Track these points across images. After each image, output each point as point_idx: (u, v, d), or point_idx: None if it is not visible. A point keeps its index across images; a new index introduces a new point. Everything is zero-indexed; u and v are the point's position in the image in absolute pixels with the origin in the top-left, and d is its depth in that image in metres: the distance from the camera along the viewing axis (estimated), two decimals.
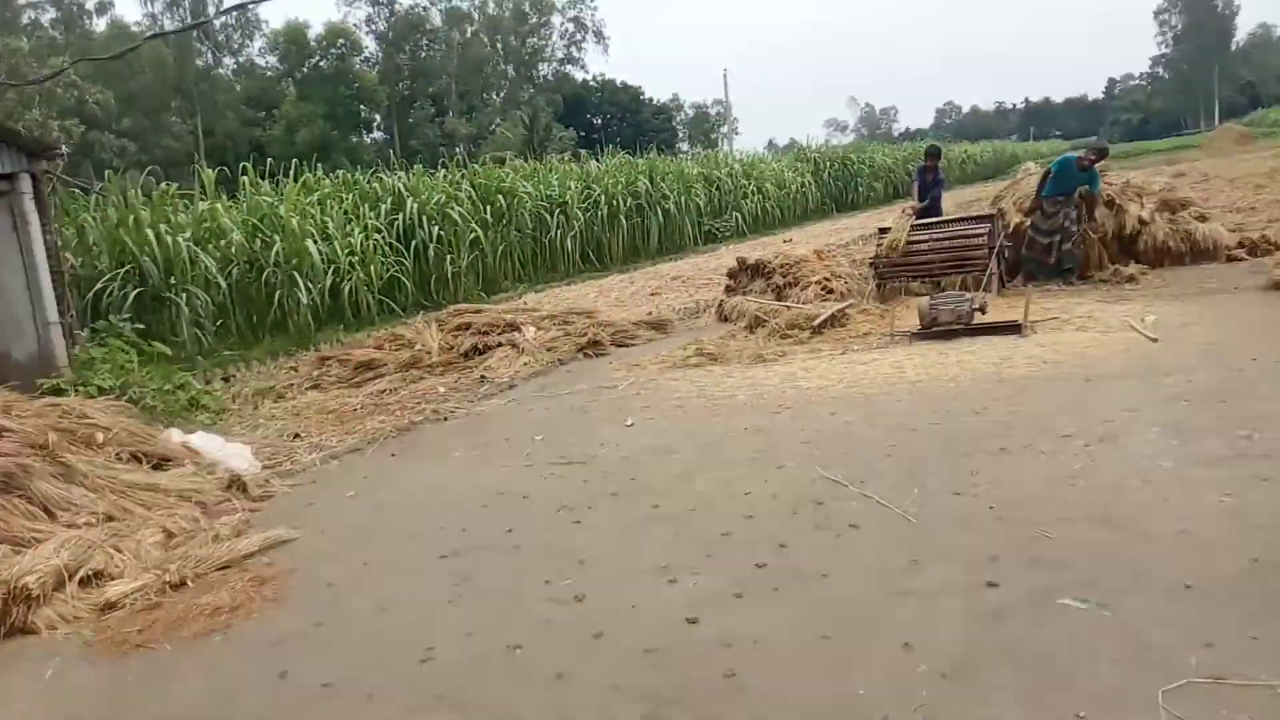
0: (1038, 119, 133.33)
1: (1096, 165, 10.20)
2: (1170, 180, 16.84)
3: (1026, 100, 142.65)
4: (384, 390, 8.45)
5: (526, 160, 23.29)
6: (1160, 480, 3.93)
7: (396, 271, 14.58)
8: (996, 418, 5.23)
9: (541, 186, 19.75)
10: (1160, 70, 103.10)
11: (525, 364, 8.98)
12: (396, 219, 15.27)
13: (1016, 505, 3.90)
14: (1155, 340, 6.61)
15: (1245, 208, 14.11)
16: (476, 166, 19.24)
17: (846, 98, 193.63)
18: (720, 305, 10.79)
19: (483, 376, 8.66)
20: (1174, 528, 3.42)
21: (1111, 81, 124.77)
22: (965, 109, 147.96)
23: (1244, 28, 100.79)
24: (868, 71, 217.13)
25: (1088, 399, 5.36)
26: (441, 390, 8.28)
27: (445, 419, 7.36)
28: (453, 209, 16.26)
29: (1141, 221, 10.32)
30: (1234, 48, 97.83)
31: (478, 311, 10.26)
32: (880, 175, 36.94)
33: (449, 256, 15.65)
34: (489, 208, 17.47)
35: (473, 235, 16.43)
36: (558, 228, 19.34)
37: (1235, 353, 5.94)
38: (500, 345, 9.40)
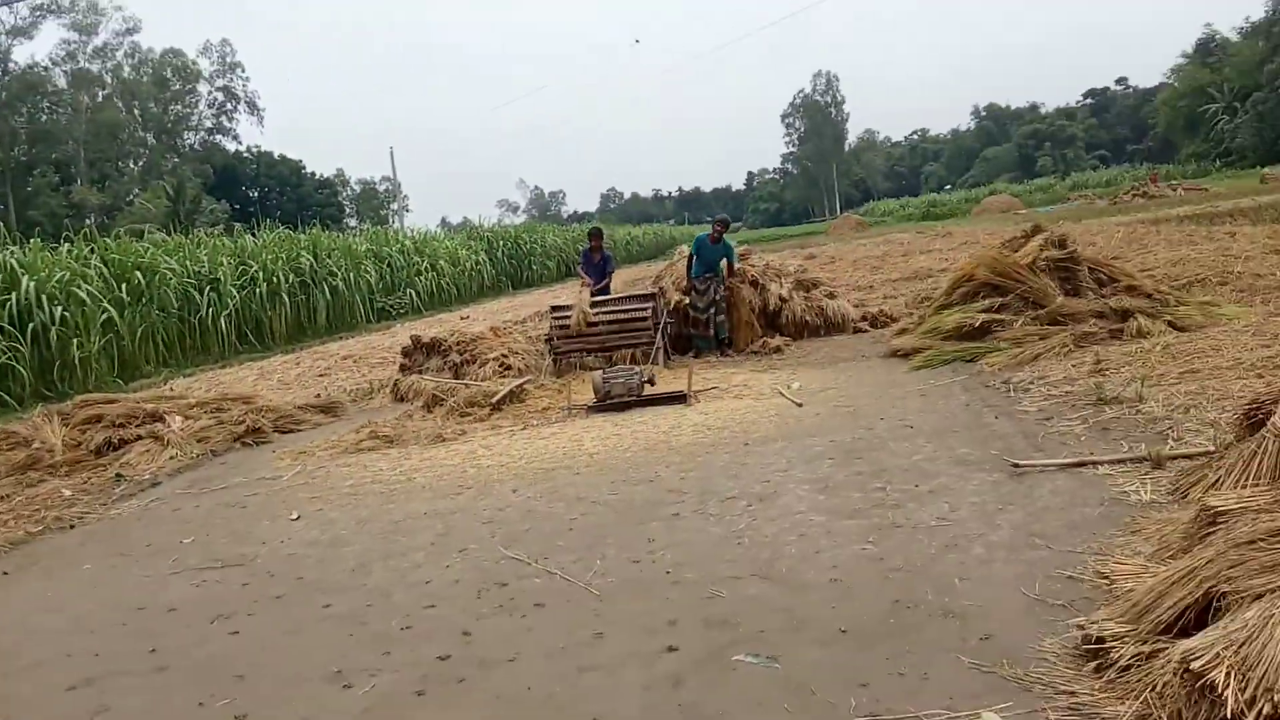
0: (690, 205, 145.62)
1: (725, 234, 11.27)
2: (804, 262, 18.96)
3: (680, 189, 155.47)
4: None
5: (171, 233, 21.42)
6: (812, 533, 4.26)
7: (8, 359, 12.64)
8: (669, 485, 5.45)
9: (189, 262, 18.18)
10: (790, 166, 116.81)
11: (171, 458, 8.07)
12: (9, 299, 13.28)
13: (690, 567, 4.04)
14: (800, 405, 7.28)
15: (865, 286, 16.19)
16: (109, 241, 17.33)
17: (516, 179, 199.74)
18: (395, 384, 10.45)
19: (119, 475, 7.65)
20: (827, 576, 3.71)
21: (750, 174, 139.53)
22: (627, 195, 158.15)
23: (854, 132, 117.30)
24: (536, 155, 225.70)
25: (747, 462, 5.74)
26: (67, 493, 7.20)
27: (72, 526, 6.39)
28: (80, 287, 14.44)
29: (782, 299, 11.48)
30: (847, 148, 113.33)
31: (111, 402, 9.09)
32: (552, 254, 38.22)
33: (76, 341, 13.82)
34: (124, 285, 15.76)
35: (105, 316, 14.68)
36: (209, 306, 17.87)
37: (866, 414, 6.68)
38: (140, 439, 8.39)
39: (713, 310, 10.92)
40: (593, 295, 11.41)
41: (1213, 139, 70.11)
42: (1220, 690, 1.93)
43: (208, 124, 68.32)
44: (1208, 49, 76.29)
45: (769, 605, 3.52)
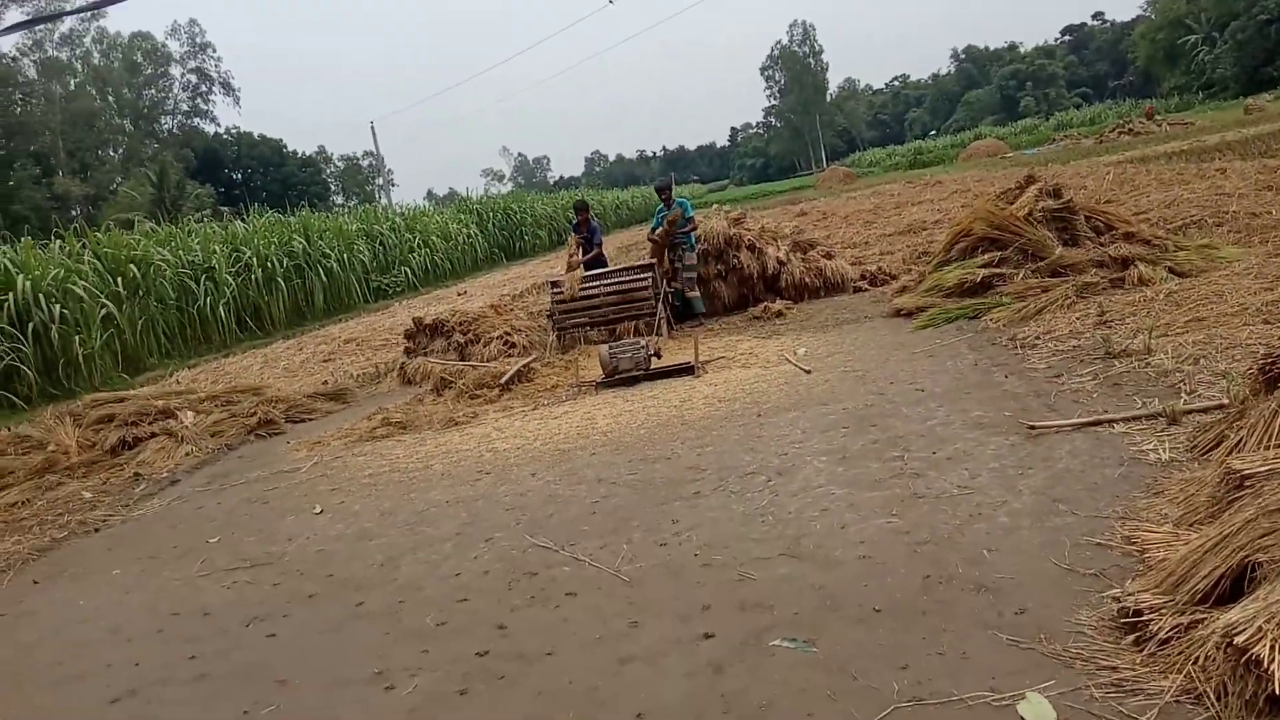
0: (676, 164, 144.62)
1: (671, 195, 11.37)
2: (797, 220, 18.92)
3: (664, 148, 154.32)
4: (14, 504, 7.24)
5: (160, 222, 21.29)
6: (835, 507, 4.30)
7: (12, 360, 12.62)
8: (687, 461, 5.49)
9: (182, 252, 18.10)
10: (773, 120, 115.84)
11: (188, 454, 8.14)
12: (6, 300, 13.23)
13: (718, 549, 4.09)
14: (809, 372, 7.31)
15: (860, 242, 16.15)
16: (100, 235, 17.23)
17: (500, 147, 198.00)
18: (402, 368, 10.48)
19: (137, 474, 7.73)
20: (855, 553, 3.75)
21: (734, 130, 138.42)
22: (612, 157, 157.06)
23: (834, 81, 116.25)
24: (518, 122, 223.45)
25: (762, 434, 5.78)
26: (88, 495, 7.27)
27: (97, 530, 6.46)
28: (76, 284, 14.39)
29: (780, 262, 11.46)
30: (829, 99, 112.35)
31: (121, 400, 9.13)
32: (543, 224, 38.04)
33: (78, 338, 13.81)
34: (120, 279, 15.70)
35: (104, 311, 14.66)
36: (206, 295, 17.83)
37: (876, 378, 6.71)
38: (154, 436, 8.42)
39: (686, 282, 10.94)
40: (585, 267, 11.39)
41: (1194, 71, 69.69)
42: (1266, 665, 1.98)
43: (184, 107, 67.55)
44: None
45: (801, 585, 3.57)
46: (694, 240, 11.21)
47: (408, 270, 25.92)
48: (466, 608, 4.00)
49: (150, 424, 8.63)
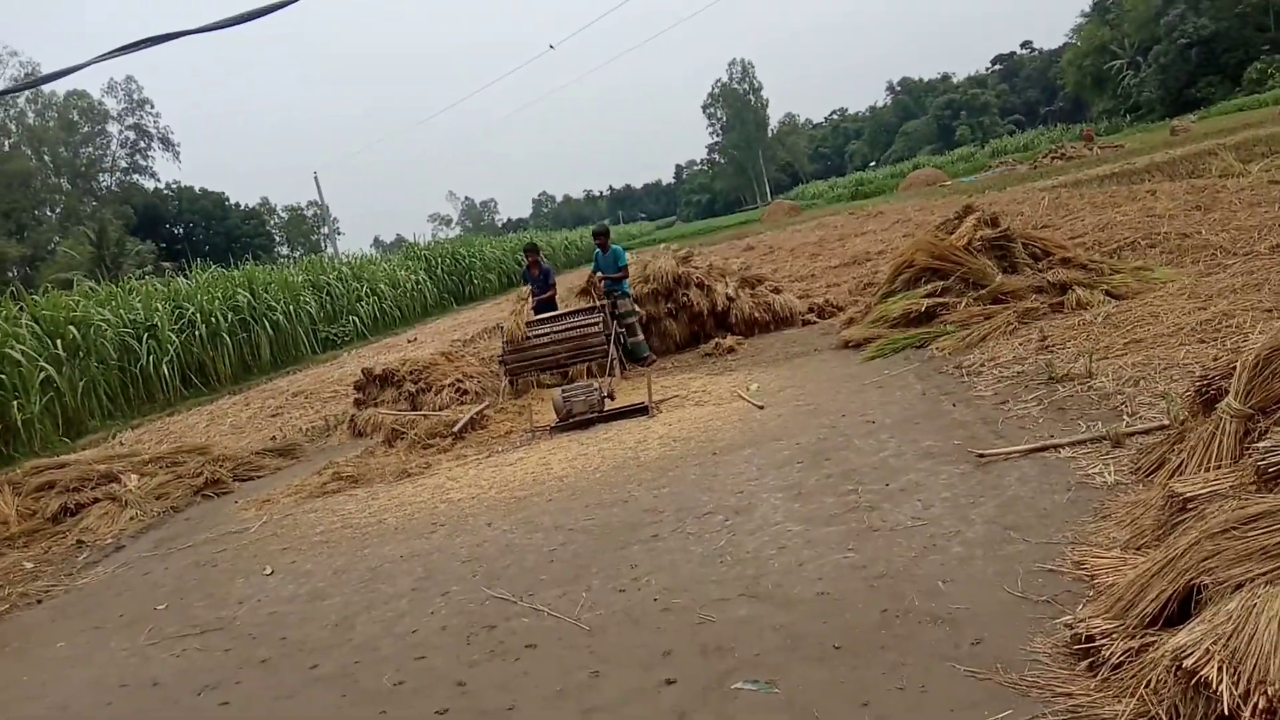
0: (624, 203, 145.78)
1: (609, 241, 11.58)
2: (744, 255, 19.15)
3: (611, 188, 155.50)
4: None
5: (100, 281, 20.91)
6: (793, 545, 4.31)
7: None
8: (644, 504, 5.47)
9: (123, 311, 17.76)
10: (717, 156, 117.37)
11: (132, 518, 7.93)
12: None
13: (677, 592, 4.07)
14: (762, 407, 7.35)
15: (806, 275, 16.35)
16: (37, 297, 16.86)
17: (446, 192, 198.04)
18: (352, 420, 10.33)
19: (80, 541, 7.51)
20: (813, 590, 3.76)
21: (679, 167, 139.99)
22: (559, 198, 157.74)
23: (775, 116, 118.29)
24: (464, 166, 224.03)
25: (718, 473, 5.79)
26: (29, 566, 7.04)
27: (39, 601, 6.26)
28: (13, 348, 14.03)
29: (729, 298, 11.56)
30: (770, 133, 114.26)
31: (62, 465, 8.86)
32: (492, 267, 38.01)
33: (16, 403, 13.44)
34: (59, 341, 15.35)
35: (44, 375, 14.29)
36: (149, 354, 17.48)
37: (827, 411, 6.77)
38: (97, 501, 8.20)
39: (623, 330, 10.97)
40: (537, 309, 11.38)
41: (1120, 95, 72.20)
42: (1215, 686, 2.02)
43: (122, 164, 66.65)
44: (1104, 6, 78.48)
45: (761, 625, 3.56)
46: (628, 286, 11.32)
47: (356, 319, 25.68)
48: (424, 665, 3.92)
49: (93, 489, 8.40)
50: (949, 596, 3.41)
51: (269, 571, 5.83)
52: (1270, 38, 64.24)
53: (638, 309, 11.30)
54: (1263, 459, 2.76)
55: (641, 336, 11.23)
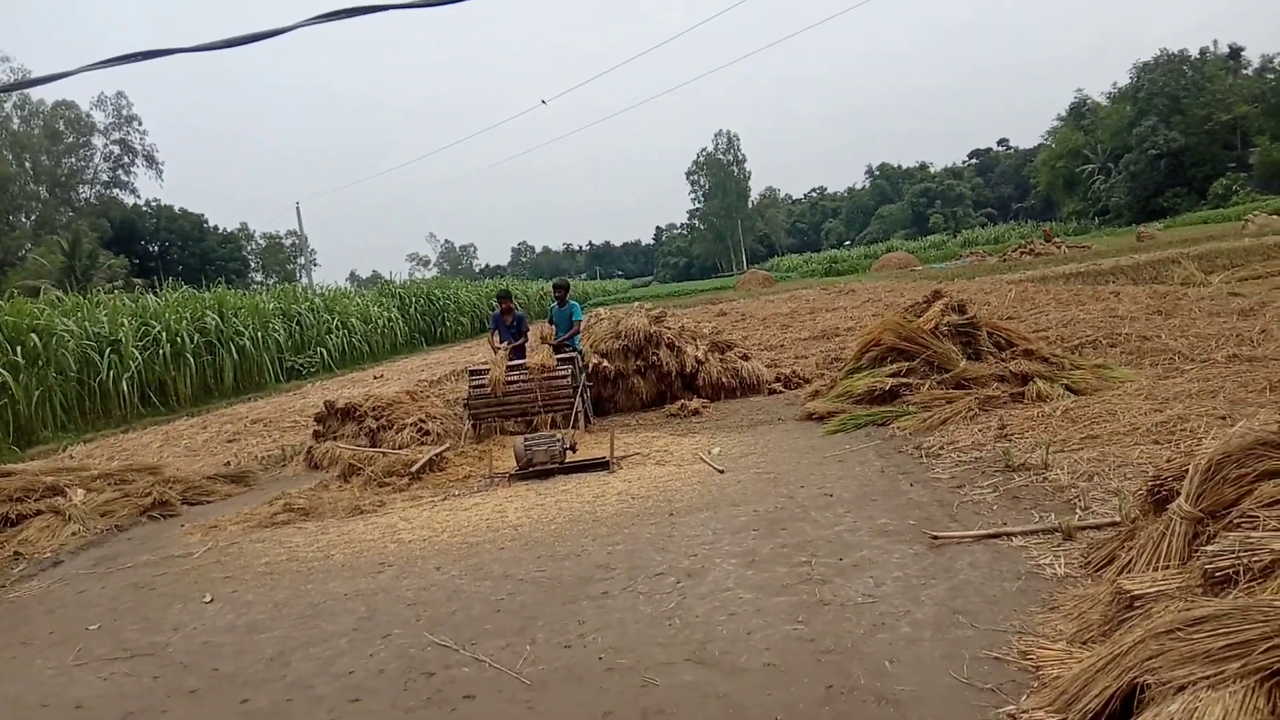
0: (602, 259, 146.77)
1: (568, 296, 11.68)
2: (716, 320, 19.30)
3: (590, 243, 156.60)
4: None
5: (68, 291, 20.63)
6: (742, 612, 4.29)
7: None
8: (597, 559, 5.42)
9: (88, 323, 17.50)
10: (697, 222, 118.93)
11: (74, 534, 7.72)
12: None
13: (623, 652, 4.02)
14: (722, 471, 7.36)
15: (776, 345, 16.51)
16: (1, 302, 16.59)
17: (426, 233, 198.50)
18: (309, 452, 10.19)
19: (17, 553, 7.30)
20: (760, 660, 3.73)
21: (659, 230, 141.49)
22: (538, 248, 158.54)
23: (756, 189, 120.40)
24: (446, 209, 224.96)
25: (673, 534, 5.76)
26: None
27: None
28: None
29: (699, 361, 11.63)
30: (750, 205, 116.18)
31: (7, 474, 8.63)
32: (465, 311, 37.98)
33: None
34: (19, 348, 15.07)
35: None
36: (110, 368, 17.18)
37: (787, 481, 6.78)
38: (40, 513, 7.98)
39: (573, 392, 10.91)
40: (510, 356, 11.36)
41: (1090, 198, 74.45)
42: None
43: (104, 177, 66.15)
44: (1080, 112, 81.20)
45: (705, 693, 3.52)
46: (579, 342, 11.43)
47: (324, 351, 25.46)
48: (359, 708, 3.83)
49: (36, 500, 8.18)
50: (895, 677, 3.40)
51: (208, 599, 5.68)
52: (1236, 155, 66.83)
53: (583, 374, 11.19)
54: (1210, 562, 2.80)
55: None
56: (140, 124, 66.87)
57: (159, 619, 5.43)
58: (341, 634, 4.75)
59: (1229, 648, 2.36)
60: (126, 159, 66.42)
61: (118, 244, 57.78)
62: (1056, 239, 46.40)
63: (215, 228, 70.54)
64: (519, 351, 11.97)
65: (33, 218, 59.49)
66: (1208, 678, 2.33)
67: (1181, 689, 2.30)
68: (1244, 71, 72.21)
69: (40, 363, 15.60)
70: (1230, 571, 2.74)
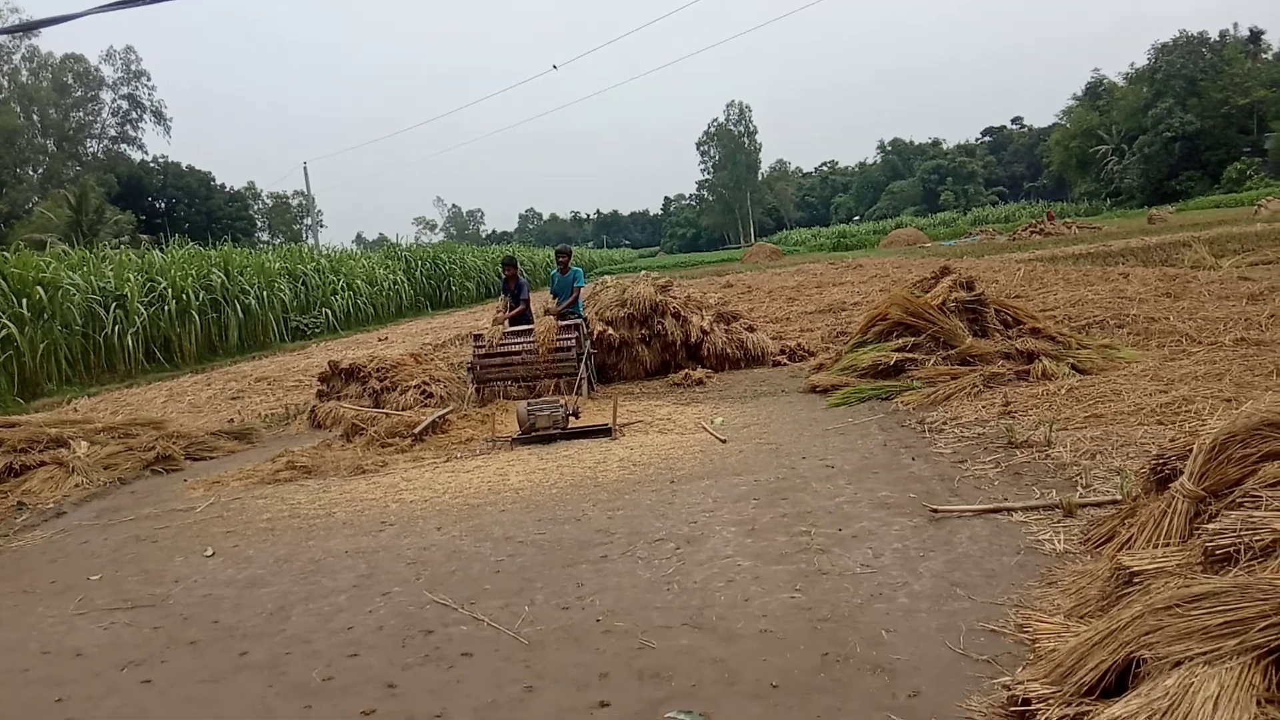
0: (610, 229, 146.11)
1: (570, 263, 11.63)
2: (723, 291, 19.25)
3: (598, 211, 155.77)
4: None
5: (74, 245, 20.61)
6: (741, 579, 4.30)
7: None
8: (597, 524, 5.44)
9: (94, 278, 17.49)
10: (705, 193, 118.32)
11: (77, 486, 7.76)
12: None
13: (620, 615, 4.04)
14: (725, 441, 7.36)
15: (782, 317, 16.47)
16: (7, 254, 16.58)
17: (434, 197, 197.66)
18: (313, 411, 10.21)
19: (20, 503, 7.34)
20: (757, 626, 3.75)
21: (667, 200, 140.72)
22: (546, 215, 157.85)
23: (766, 161, 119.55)
24: (454, 174, 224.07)
25: (674, 501, 5.78)
26: None
27: None
28: None
29: (704, 331, 11.61)
30: (760, 177, 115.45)
31: (12, 425, 8.67)
32: (471, 275, 37.91)
33: None
34: (25, 301, 15.08)
35: (4, 332, 14.02)
36: (115, 323, 17.20)
37: (789, 452, 6.79)
38: (44, 464, 8.02)
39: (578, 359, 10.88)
40: (511, 322, 11.35)
41: (1103, 179, 73.89)
42: None
43: (111, 132, 65.85)
44: (1096, 92, 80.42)
45: (701, 656, 3.54)
46: (581, 308, 11.45)
47: (329, 312, 25.46)
48: (356, 663, 3.85)
49: (41, 452, 8.22)
50: (890, 646, 3.41)
51: (210, 553, 5.72)
52: (1252, 140, 66.17)
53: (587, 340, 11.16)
54: (1211, 540, 2.79)
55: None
56: (149, 79, 66.56)
57: (160, 571, 5.46)
58: (341, 590, 4.78)
59: (1227, 625, 2.36)
60: (135, 114, 66.15)
61: (124, 199, 57.65)
62: (1058, 220, 46.07)
63: (222, 186, 70.40)
64: (521, 318, 11.96)
65: (40, 171, 59.35)
66: (1204, 654, 2.33)
67: (1178, 664, 2.30)
68: (1264, 56, 71.41)
69: (46, 316, 15.63)
70: (1231, 550, 2.73)
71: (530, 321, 11.89)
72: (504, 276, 12.35)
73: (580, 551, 4.98)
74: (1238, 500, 3.05)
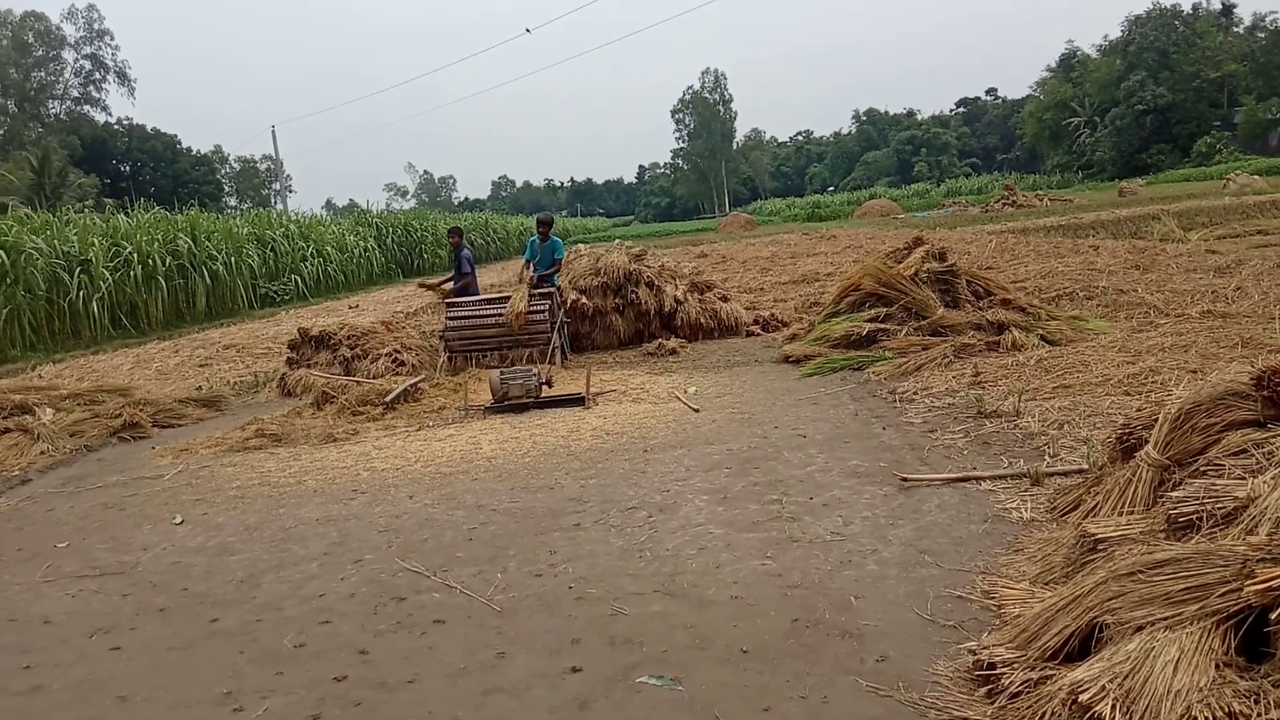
0: (584, 197, 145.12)
1: (550, 233, 11.48)
2: (697, 261, 19.22)
3: (572, 179, 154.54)
4: None
5: (37, 209, 20.19)
6: (712, 546, 4.33)
7: None
8: (569, 493, 5.45)
9: (57, 242, 17.16)
10: (680, 162, 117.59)
11: (43, 453, 7.66)
12: None
13: (593, 582, 4.06)
14: (698, 411, 7.38)
15: (756, 288, 16.49)
16: None
17: (405, 163, 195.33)
18: (283, 379, 10.12)
19: None
20: (728, 593, 3.78)
21: (642, 168, 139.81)
22: (519, 183, 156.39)
23: (741, 130, 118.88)
24: (426, 139, 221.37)
25: (647, 470, 5.79)
26: None
27: None
28: None
29: (678, 300, 11.60)
30: (735, 146, 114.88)
31: None
32: (443, 243, 37.53)
33: None
34: None
35: None
36: (80, 289, 16.91)
37: (761, 421, 6.82)
38: (8, 431, 7.90)
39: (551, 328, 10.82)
40: (452, 294, 11.25)
41: (1075, 151, 74.26)
42: None
43: (74, 93, 64.33)
44: (1070, 64, 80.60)
45: (672, 623, 3.56)
46: (557, 280, 11.35)
47: (298, 279, 25.17)
48: (328, 630, 3.85)
49: (5, 419, 8.10)
50: (859, 612, 3.46)
51: (178, 521, 5.67)
52: (1222, 114, 66.76)
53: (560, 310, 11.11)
54: (1175, 508, 2.84)
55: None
56: (113, 39, 64.96)
57: (128, 539, 5.41)
58: (312, 558, 4.76)
59: (1188, 590, 2.41)
60: (98, 75, 64.62)
61: (88, 162, 56.51)
62: (1023, 193, 46.02)
63: (189, 149, 69.13)
64: (463, 292, 11.85)
65: (1, 132, 57.94)
66: (1166, 619, 2.38)
67: (1140, 629, 2.35)
68: (1235, 29, 71.83)
69: (9, 280, 15.36)
70: (1194, 517, 2.78)
71: (475, 293, 11.78)
72: (452, 244, 12.13)
73: (553, 520, 4.99)
74: (1201, 469, 3.11)
